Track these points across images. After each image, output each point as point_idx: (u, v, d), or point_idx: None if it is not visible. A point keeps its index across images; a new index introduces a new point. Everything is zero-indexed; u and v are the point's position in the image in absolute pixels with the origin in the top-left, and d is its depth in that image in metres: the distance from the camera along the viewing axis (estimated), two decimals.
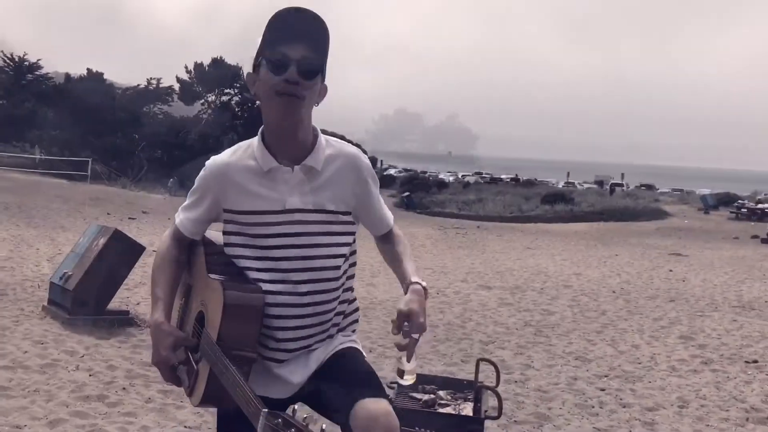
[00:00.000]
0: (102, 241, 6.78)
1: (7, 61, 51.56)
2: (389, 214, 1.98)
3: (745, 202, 38.15)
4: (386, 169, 71.47)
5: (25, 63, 51.45)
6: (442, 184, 49.26)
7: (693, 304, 10.08)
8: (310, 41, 1.68)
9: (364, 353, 1.90)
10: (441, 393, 2.51)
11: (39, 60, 51.97)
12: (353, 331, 1.92)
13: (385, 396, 1.68)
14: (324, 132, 1.81)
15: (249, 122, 40.92)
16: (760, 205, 35.65)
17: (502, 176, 69.55)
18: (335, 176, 1.78)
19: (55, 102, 44.18)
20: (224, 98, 45.01)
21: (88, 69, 46.00)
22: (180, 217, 1.85)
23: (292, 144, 1.74)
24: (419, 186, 45.12)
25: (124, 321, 6.62)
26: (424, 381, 2.68)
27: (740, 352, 7.15)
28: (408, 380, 1.80)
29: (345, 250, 1.84)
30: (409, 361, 1.73)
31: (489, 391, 2.37)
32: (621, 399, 5.31)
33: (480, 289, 10.54)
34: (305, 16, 1.65)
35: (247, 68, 1.79)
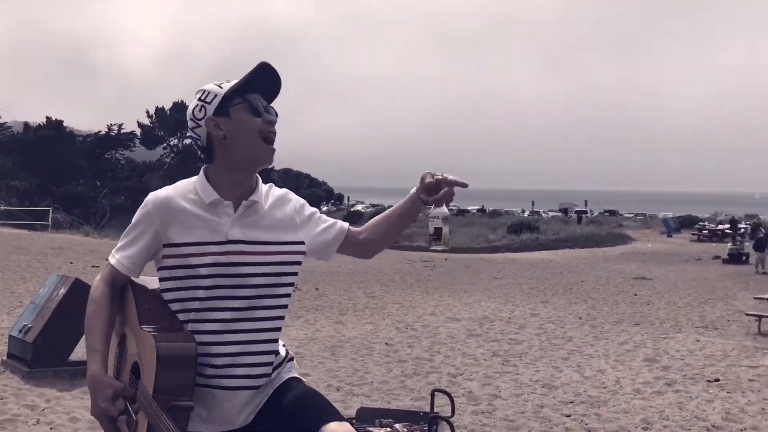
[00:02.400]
0: (62, 291, 6.68)
1: None
2: (338, 221, 2.04)
3: (706, 223, 39.03)
4: (353, 205, 71.61)
5: None
6: None
7: (657, 327, 10.25)
8: (268, 92, 1.85)
9: (304, 381, 1.91)
10: (397, 426, 2.53)
11: None
12: (291, 357, 1.94)
13: (346, 419, 1.71)
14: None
15: None
16: (720, 226, 36.49)
17: (469, 207, 70.15)
18: (275, 210, 1.87)
19: (14, 151, 43.60)
20: (187, 141, 44.88)
21: (47, 117, 45.51)
22: (116, 257, 1.84)
23: (244, 183, 1.83)
24: None
25: (86, 371, 6.50)
26: (381, 414, 2.71)
27: (703, 371, 7.28)
28: (440, 245, 1.85)
29: (288, 280, 1.87)
30: (466, 185, 1.87)
31: (444, 422, 2.41)
32: (586, 424, 5.36)
33: (448, 322, 10.58)
34: (270, 69, 1.83)
35: (199, 112, 1.83)
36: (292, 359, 1.95)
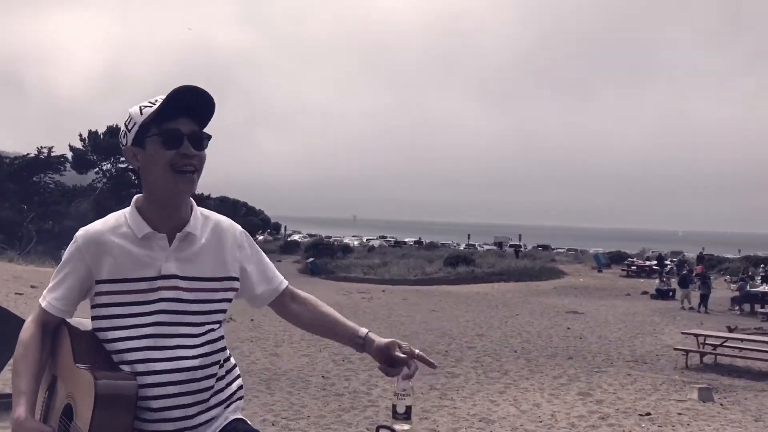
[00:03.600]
0: None
1: None
2: (279, 274, 1.96)
3: (635, 259, 40.23)
4: (290, 235, 70.96)
5: None
6: (347, 249, 49.34)
7: (590, 360, 10.43)
8: (197, 114, 1.72)
9: (249, 423, 1.84)
10: None
11: None
12: (239, 398, 1.86)
13: None
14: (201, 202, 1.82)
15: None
16: (647, 262, 37.71)
17: (407, 239, 70.48)
18: (212, 243, 1.78)
19: None
20: (122, 165, 43.80)
21: None
22: (47, 300, 1.76)
23: (174, 215, 1.74)
24: (324, 251, 44.98)
25: (9, 405, 6.15)
26: None
27: (634, 405, 7.42)
28: (408, 425, 1.75)
29: (220, 317, 1.79)
30: (435, 367, 1.87)
31: None
32: None
33: None
34: (193, 91, 1.70)
35: (122, 138, 1.76)
36: (240, 399, 1.87)
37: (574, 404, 7.38)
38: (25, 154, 46.72)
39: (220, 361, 1.78)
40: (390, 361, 1.81)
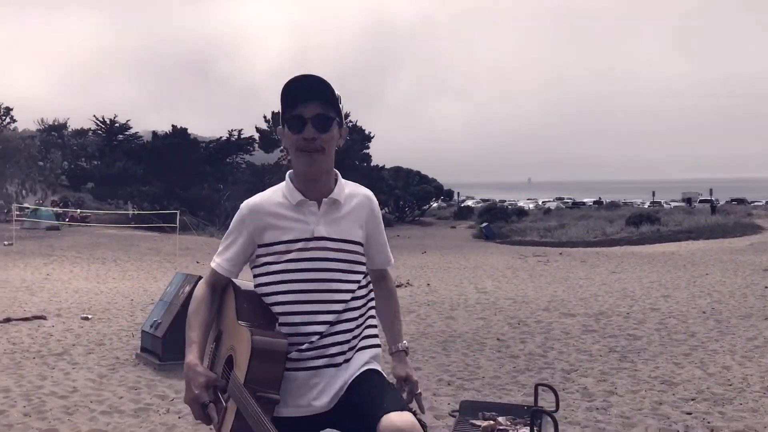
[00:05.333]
0: (187, 288, 7.12)
1: (100, 124, 54.91)
2: (390, 254, 2.21)
3: None
4: (464, 201, 71.16)
5: (116, 125, 54.65)
6: (521, 212, 48.69)
7: None
8: (320, 98, 1.94)
9: (384, 375, 2.02)
10: (500, 419, 2.55)
11: (128, 121, 55.15)
12: (374, 354, 2.03)
13: (409, 409, 1.78)
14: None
15: None
16: None
17: (585, 200, 68.08)
18: (353, 211, 2.04)
19: (144, 159, 46.52)
20: None
21: (173, 125, 48.22)
22: (216, 261, 2.07)
23: (317, 185, 2.00)
24: (498, 215, 44.75)
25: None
26: (484, 407, 2.73)
27: None
28: None
29: (360, 276, 2.03)
30: (423, 412, 2.09)
31: (547, 416, 2.40)
32: (709, 422, 5.12)
33: (563, 317, 10.37)
34: (311, 78, 1.94)
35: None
36: (377, 347, 2.04)
37: None
38: (218, 137, 50.80)
39: (363, 314, 2.02)
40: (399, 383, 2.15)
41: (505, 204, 61.01)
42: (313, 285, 1.93)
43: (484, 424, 2.45)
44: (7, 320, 9.71)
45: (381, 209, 2.14)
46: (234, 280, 2.07)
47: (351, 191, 2.06)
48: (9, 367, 6.94)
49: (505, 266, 19.72)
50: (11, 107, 57.24)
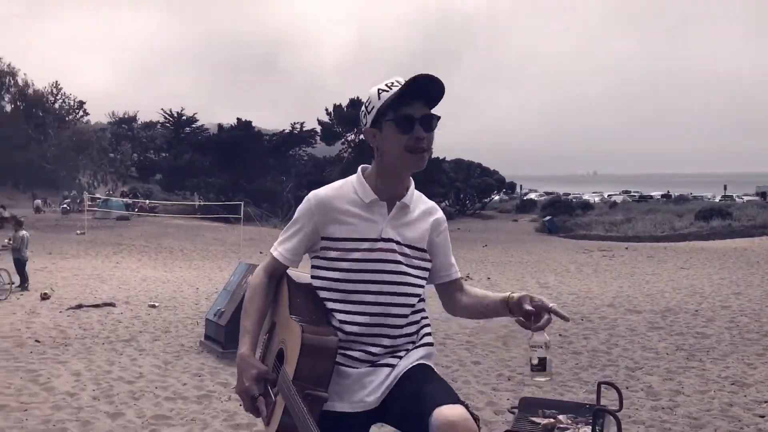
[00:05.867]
0: (250, 278, 7.23)
1: (168, 117, 56.47)
2: (456, 266, 2.12)
3: None
4: (526, 194, 70.23)
5: (183, 117, 56.08)
6: (586, 206, 47.69)
7: None
8: (428, 98, 1.89)
9: (436, 370, 1.97)
10: (561, 417, 2.48)
11: (195, 113, 56.50)
12: (427, 352, 1.99)
13: (462, 402, 1.73)
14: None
15: None
16: None
17: (653, 194, 66.24)
18: (420, 218, 2.00)
19: (210, 151, 47.57)
20: (362, 137, 46.45)
21: (237, 118, 49.13)
22: (278, 250, 2.01)
23: (398, 186, 1.96)
24: (561, 208, 43.98)
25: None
26: (544, 405, 2.67)
27: None
28: (545, 377, 1.83)
29: (424, 282, 2.00)
30: (567, 320, 1.89)
31: (610, 416, 2.32)
32: None
33: (628, 314, 10.11)
34: (424, 78, 1.86)
35: (363, 118, 1.98)
36: (431, 345, 2.00)
37: None
38: (282, 130, 51.53)
39: (419, 320, 1.98)
40: (526, 315, 1.86)
41: (570, 197, 59.90)
42: (381, 287, 1.90)
43: (544, 422, 2.39)
44: (79, 306, 10.09)
45: (441, 202, 2.07)
46: (289, 271, 2.04)
47: (419, 198, 2.03)
48: (80, 351, 7.20)
49: (568, 261, 19.36)
50: (84, 101, 59.55)
